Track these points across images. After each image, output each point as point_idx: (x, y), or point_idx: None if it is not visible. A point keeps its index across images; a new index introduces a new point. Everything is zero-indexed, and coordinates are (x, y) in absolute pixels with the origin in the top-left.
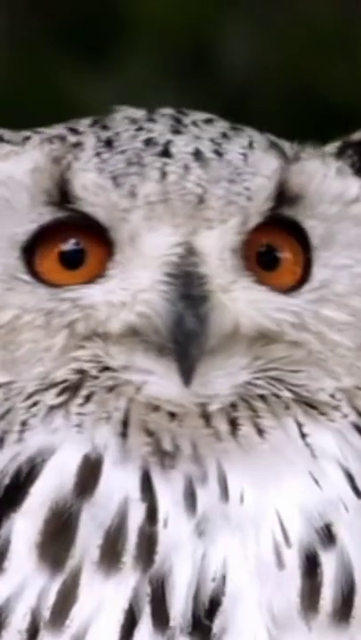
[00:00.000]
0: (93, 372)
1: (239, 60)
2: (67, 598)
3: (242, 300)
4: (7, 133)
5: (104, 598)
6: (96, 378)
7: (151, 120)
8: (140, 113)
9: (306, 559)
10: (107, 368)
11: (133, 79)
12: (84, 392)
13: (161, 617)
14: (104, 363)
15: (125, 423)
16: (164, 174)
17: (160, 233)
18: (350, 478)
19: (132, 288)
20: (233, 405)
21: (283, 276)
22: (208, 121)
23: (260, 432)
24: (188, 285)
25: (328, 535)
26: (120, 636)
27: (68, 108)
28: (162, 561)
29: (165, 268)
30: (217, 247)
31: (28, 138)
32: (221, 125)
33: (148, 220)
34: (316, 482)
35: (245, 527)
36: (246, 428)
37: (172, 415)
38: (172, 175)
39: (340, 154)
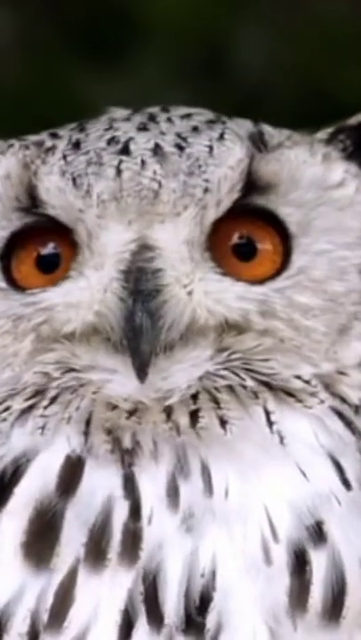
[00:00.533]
0: (57, 375)
1: (252, 61)
2: (64, 600)
3: (200, 292)
4: None
5: (100, 599)
6: (60, 379)
7: (127, 119)
8: (123, 113)
9: (295, 556)
10: (72, 369)
11: (147, 80)
12: (49, 394)
13: (155, 615)
14: (69, 364)
15: (88, 422)
16: (119, 172)
17: (113, 231)
18: (340, 470)
19: (90, 287)
20: (195, 398)
21: (261, 266)
22: (186, 116)
23: (223, 423)
24: (138, 281)
25: (318, 533)
26: (119, 636)
27: (82, 110)
28: (151, 558)
29: (119, 266)
30: (172, 241)
31: (11, 146)
32: (199, 119)
33: (102, 219)
34: (304, 474)
35: (232, 521)
36: (207, 420)
37: (132, 412)
38: (127, 172)
39: (330, 139)
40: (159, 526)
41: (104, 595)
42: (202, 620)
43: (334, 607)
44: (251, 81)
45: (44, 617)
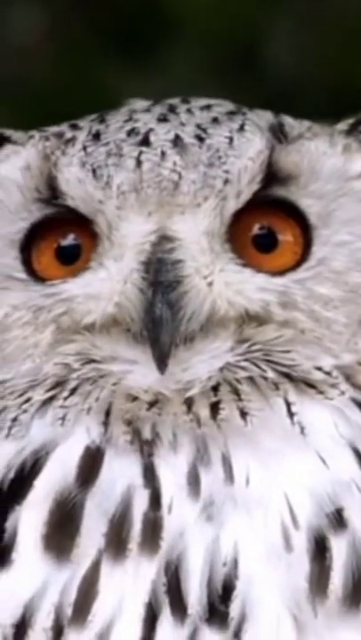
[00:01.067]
0: (77, 366)
1: (283, 58)
2: (87, 594)
3: (220, 283)
4: (15, 134)
5: (124, 593)
6: (80, 371)
7: (147, 110)
8: (143, 104)
9: (315, 543)
10: (92, 360)
11: (177, 77)
12: (69, 385)
13: (179, 606)
14: (89, 355)
15: (108, 413)
16: (139, 163)
17: (133, 222)
18: (360, 459)
19: (110, 279)
20: (215, 389)
21: (282, 258)
22: (206, 107)
23: (244, 414)
24: (158, 272)
25: (339, 519)
26: (143, 630)
27: (112, 107)
28: (172, 547)
29: (139, 257)
30: (192, 232)
31: (31, 137)
32: (219, 111)
33: (122, 210)
34: (324, 462)
35: (253, 509)
36: (227, 412)
37: (153, 403)
38: (146, 163)
39: (351, 131)
40: (180, 515)
41: (128, 588)
42: (225, 609)
43: (355, 593)
44: (282, 78)
45: (68, 611)
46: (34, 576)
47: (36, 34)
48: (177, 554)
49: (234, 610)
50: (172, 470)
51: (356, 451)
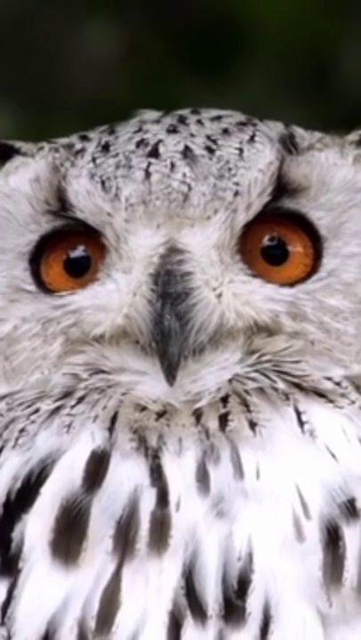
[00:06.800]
0: (85, 376)
1: (358, 73)
2: (110, 605)
3: (229, 295)
4: (25, 146)
5: (147, 602)
6: (89, 381)
7: (156, 121)
8: (153, 115)
9: (327, 532)
10: (101, 371)
11: (253, 94)
12: (77, 395)
13: (198, 608)
14: (98, 366)
15: (114, 420)
16: (148, 174)
17: (142, 235)
18: None
19: (119, 291)
20: (224, 401)
21: (291, 269)
22: (216, 118)
23: (253, 425)
24: (167, 284)
25: (351, 509)
26: (168, 637)
27: None
28: (186, 547)
29: (148, 269)
30: (202, 245)
31: (41, 148)
32: (229, 121)
33: (130, 223)
34: (334, 456)
35: (264, 502)
36: (236, 424)
37: (161, 414)
38: (155, 175)
39: None
40: (188, 512)
41: (150, 597)
42: (242, 604)
43: None
44: (358, 92)
45: (92, 623)
46: (53, 587)
47: (113, 50)
48: (190, 553)
49: (251, 604)
50: (179, 468)
51: None
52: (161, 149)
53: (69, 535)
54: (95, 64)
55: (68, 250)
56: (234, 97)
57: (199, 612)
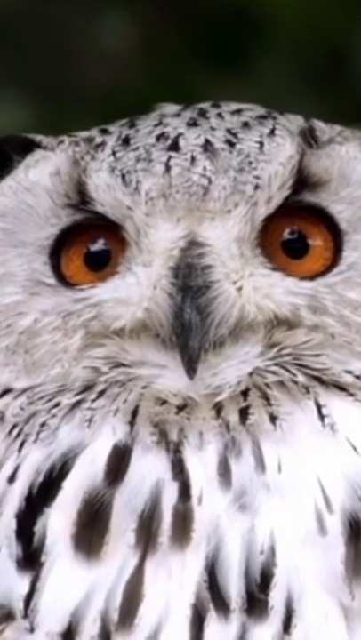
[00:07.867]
0: (106, 369)
1: None
2: (133, 597)
3: (249, 288)
4: (45, 139)
5: (170, 595)
6: (109, 374)
7: (177, 115)
8: (173, 108)
9: (349, 526)
10: (121, 364)
11: (269, 86)
12: (97, 388)
13: (221, 602)
14: (118, 359)
15: (135, 414)
16: (168, 168)
17: (162, 228)
18: None
19: (139, 284)
20: (245, 394)
21: (312, 263)
22: (236, 111)
23: (273, 419)
24: (187, 277)
25: None
26: (191, 630)
27: None
28: (208, 541)
29: (168, 263)
30: (222, 238)
31: (61, 142)
32: (249, 115)
33: (150, 217)
34: (356, 450)
35: (286, 495)
36: (256, 417)
37: (182, 407)
38: (176, 168)
39: None
40: (210, 506)
41: (173, 589)
42: (264, 598)
43: None
44: None
45: (115, 616)
46: (76, 580)
47: (128, 42)
48: (213, 547)
49: (274, 598)
50: (201, 462)
51: None
52: (181, 143)
53: (92, 529)
54: (110, 57)
55: (89, 243)
56: (249, 89)
57: (222, 605)
